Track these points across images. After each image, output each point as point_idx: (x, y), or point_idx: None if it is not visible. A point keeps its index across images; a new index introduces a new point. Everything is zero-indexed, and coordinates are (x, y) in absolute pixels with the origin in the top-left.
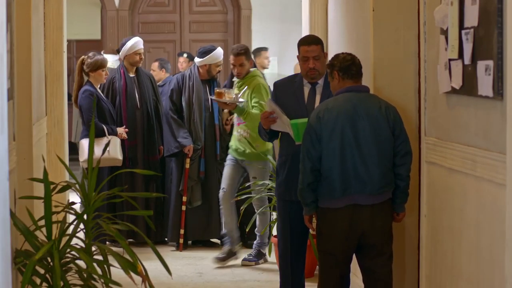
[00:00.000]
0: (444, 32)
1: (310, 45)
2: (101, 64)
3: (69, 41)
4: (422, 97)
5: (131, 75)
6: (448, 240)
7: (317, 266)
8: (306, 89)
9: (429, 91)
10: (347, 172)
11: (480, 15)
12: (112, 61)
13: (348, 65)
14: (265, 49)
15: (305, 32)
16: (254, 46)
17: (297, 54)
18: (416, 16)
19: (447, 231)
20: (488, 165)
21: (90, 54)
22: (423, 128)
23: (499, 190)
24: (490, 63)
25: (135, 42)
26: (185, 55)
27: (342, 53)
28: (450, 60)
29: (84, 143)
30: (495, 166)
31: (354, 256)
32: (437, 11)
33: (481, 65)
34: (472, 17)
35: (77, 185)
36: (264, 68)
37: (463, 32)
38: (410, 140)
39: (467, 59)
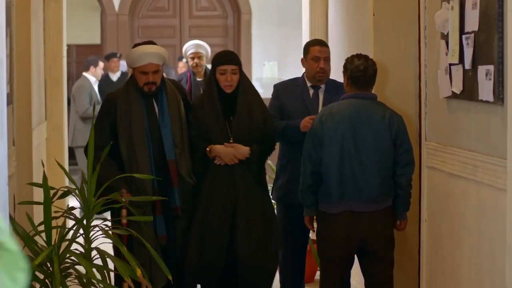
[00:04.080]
0: (445, 37)
1: (323, 46)
2: None
3: (69, 46)
4: (423, 101)
5: (198, 79)
6: (449, 245)
7: (318, 271)
8: (310, 93)
9: (430, 95)
10: (344, 178)
11: (481, 20)
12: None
13: (357, 76)
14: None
15: (305, 36)
16: (254, 50)
17: (302, 57)
18: (417, 21)
19: (448, 236)
20: (489, 170)
21: None
22: (423, 133)
23: (500, 195)
24: (491, 67)
25: (187, 46)
26: (184, 60)
27: (359, 58)
28: (450, 64)
29: None
30: (496, 171)
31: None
32: (438, 15)
33: (481, 69)
34: (472, 22)
35: (76, 190)
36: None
37: (463, 36)
38: (412, 146)
39: (467, 64)
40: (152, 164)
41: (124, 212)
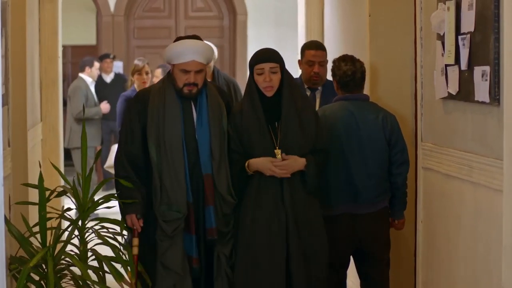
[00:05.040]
0: (441, 38)
1: (318, 50)
2: (134, 69)
3: (64, 47)
4: (419, 102)
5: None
6: (445, 246)
7: None
8: (307, 94)
9: (426, 96)
10: (340, 180)
11: (477, 21)
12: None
13: (346, 81)
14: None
15: (301, 37)
16: (249, 51)
17: (299, 58)
18: (413, 22)
19: (444, 237)
20: (485, 171)
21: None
22: (419, 133)
23: (496, 196)
24: (487, 68)
25: None
26: None
27: (346, 62)
28: (446, 65)
29: (114, 149)
30: (492, 172)
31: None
32: (434, 16)
33: (477, 70)
34: (468, 23)
35: (72, 191)
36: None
37: (459, 37)
38: (406, 146)
39: (463, 65)
40: (188, 178)
41: (135, 241)
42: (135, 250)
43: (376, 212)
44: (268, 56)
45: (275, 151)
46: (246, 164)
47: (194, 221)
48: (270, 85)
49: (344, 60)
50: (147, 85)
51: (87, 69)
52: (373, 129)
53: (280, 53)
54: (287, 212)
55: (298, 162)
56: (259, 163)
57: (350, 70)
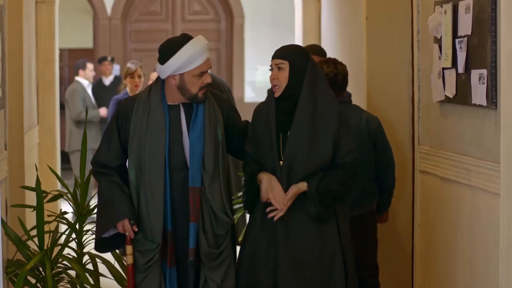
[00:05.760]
0: (438, 41)
1: (322, 55)
2: (127, 72)
3: (61, 50)
4: (416, 106)
5: None
6: (442, 249)
7: None
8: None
9: (423, 100)
10: None
11: (474, 24)
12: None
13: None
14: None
15: (298, 39)
16: (246, 54)
17: None
18: (410, 25)
19: (441, 240)
20: (482, 174)
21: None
22: (416, 137)
23: (493, 200)
24: (484, 72)
25: None
26: None
27: (328, 64)
28: (443, 68)
29: None
30: (489, 175)
31: None
32: (431, 19)
33: (474, 74)
34: (465, 26)
35: (69, 195)
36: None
37: (456, 40)
38: (403, 149)
39: (460, 68)
40: (168, 198)
41: (129, 249)
42: (130, 259)
43: (362, 215)
44: (277, 52)
45: (280, 163)
46: (259, 175)
47: (176, 251)
48: (274, 84)
49: (327, 62)
50: (140, 88)
51: (81, 71)
52: (358, 131)
53: None
54: (279, 247)
55: (293, 191)
56: (262, 184)
57: (332, 73)
